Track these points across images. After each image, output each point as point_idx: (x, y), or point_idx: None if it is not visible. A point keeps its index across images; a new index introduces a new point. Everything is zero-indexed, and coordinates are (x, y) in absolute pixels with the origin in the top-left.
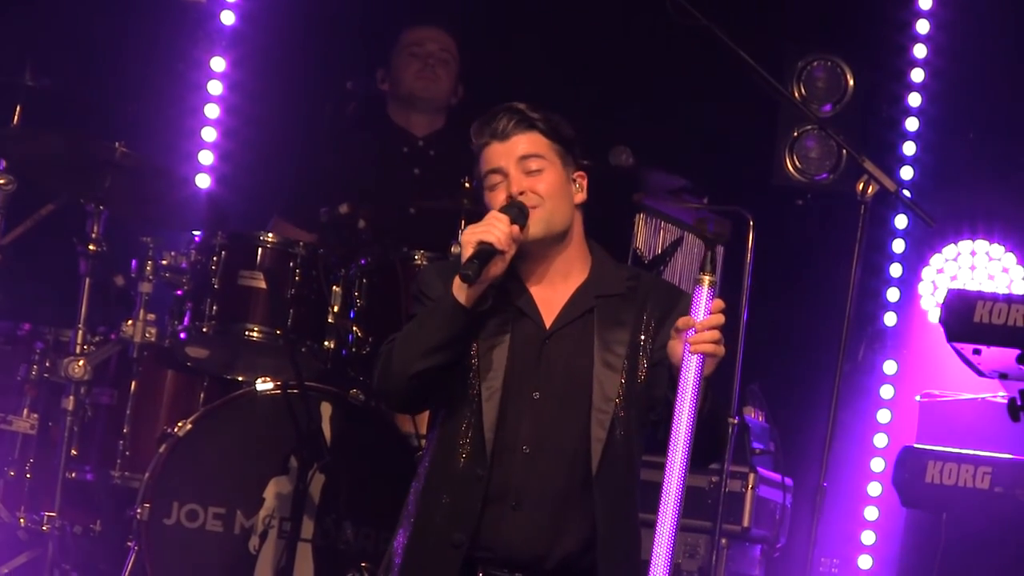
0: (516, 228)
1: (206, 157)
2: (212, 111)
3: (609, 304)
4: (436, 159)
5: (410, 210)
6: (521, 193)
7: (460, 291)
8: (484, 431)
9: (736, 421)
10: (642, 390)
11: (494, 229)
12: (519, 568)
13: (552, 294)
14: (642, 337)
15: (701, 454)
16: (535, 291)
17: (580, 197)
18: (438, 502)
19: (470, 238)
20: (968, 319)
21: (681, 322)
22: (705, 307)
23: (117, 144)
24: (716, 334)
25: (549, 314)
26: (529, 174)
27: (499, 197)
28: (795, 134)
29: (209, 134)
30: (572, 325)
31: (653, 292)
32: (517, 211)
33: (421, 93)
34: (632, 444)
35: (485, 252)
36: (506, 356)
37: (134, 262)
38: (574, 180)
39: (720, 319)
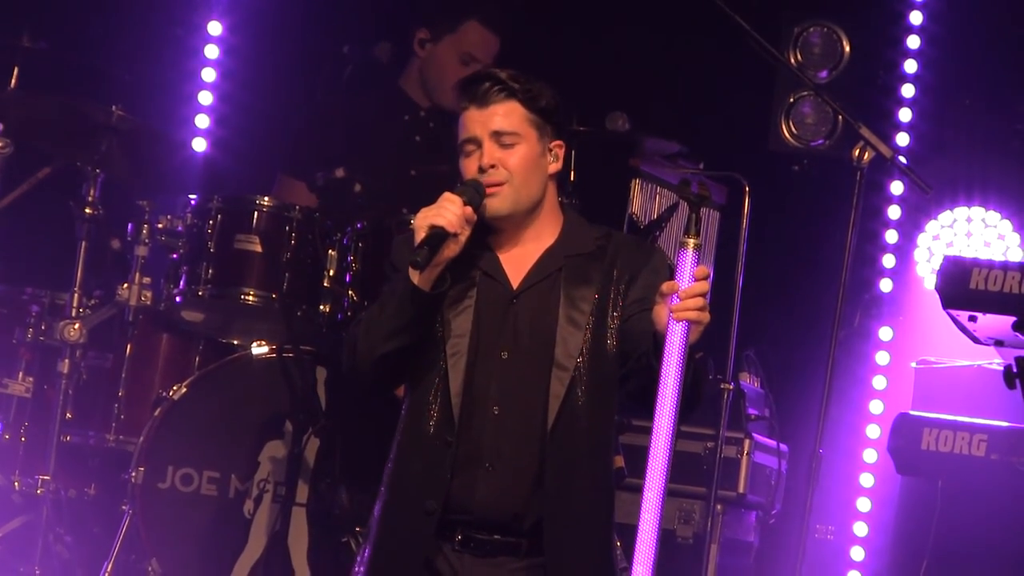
0: (469, 209)
1: (202, 121)
2: (209, 75)
3: (578, 263)
4: (436, 128)
5: (411, 172)
6: (492, 166)
7: (415, 275)
8: (451, 396)
9: (732, 387)
10: (612, 347)
11: (446, 212)
12: (497, 529)
13: (521, 255)
14: (611, 294)
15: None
16: (504, 254)
17: (555, 167)
18: (409, 470)
19: (422, 222)
20: (964, 286)
21: (665, 287)
22: (690, 272)
23: (114, 108)
24: (701, 301)
25: (517, 275)
26: (503, 147)
27: (471, 166)
28: (791, 100)
29: (206, 98)
30: (540, 285)
31: (624, 250)
32: (472, 191)
33: (446, 105)
34: (597, 402)
35: (436, 236)
36: (471, 320)
37: (130, 225)
38: (550, 150)
39: (705, 286)
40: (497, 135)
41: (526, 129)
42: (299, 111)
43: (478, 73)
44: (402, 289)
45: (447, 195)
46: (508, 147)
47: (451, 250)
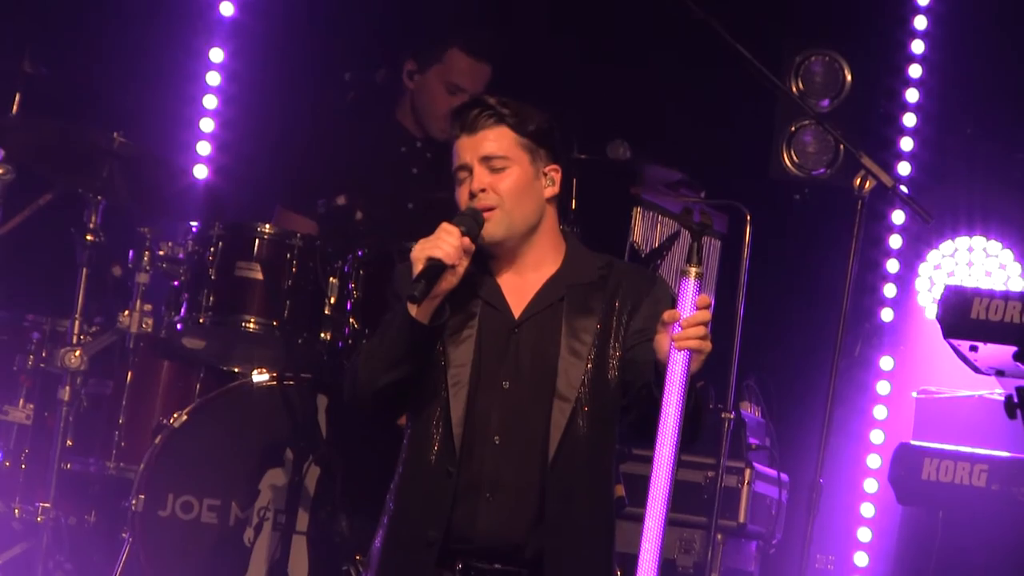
0: (467, 240)
1: (204, 148)
2: (210, 102)
3: (580, 292)
4: (434, 158)
5: (408, 205)
6: (482, 190)
7: (413, 307)
8: (452, 425)
9: (732, 416)
10: (613, 377)
11: (443, 244)
12: (498, 558)
13: (523, 285)
14: (613, 324)
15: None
16: (505, 283)
17: (551, 191)
18: (411, 499)
19: (419, 254)
20: (965, 315)
21: (667, 315)
22: (692, 301)
23: (115, 134)
24: (702, 330)
25: (519, 304)
26: (493, 171)
27: (464, 193)
28: (793, 129)
29: (207, 125)
30: (542, 314)
31: (626, 279)
32: (471, 220)
33: (438, 136)
34: (598, 432)
35: (434, 268)
36: (473, 349)
37: (131, 252)
38: (545, 174)
39: (706, 315)
40: (487, 160)
41: (517, 152)
42: (296, 143)
43: (467, 101)
44: (401, 320)
45: (444, 226)
46: (499, 171)
47: (449, 282)
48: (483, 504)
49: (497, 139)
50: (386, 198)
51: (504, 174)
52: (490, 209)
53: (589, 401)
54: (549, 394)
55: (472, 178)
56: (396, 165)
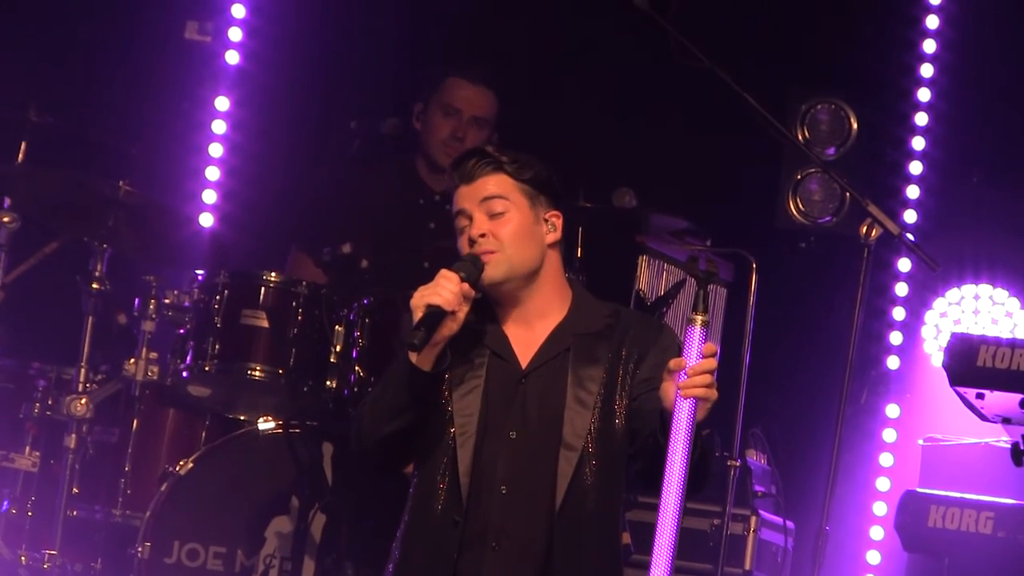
0: (467, 286)
1: (209, 196)
2: (216, 150)
3: (586, 342)
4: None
5: (424, 264)
6: (482, 235)
7: (413, 355)
8: (459, 475)
9: (738, 463)
10: (620, 426)
11: (442, 290)
12: None
13: (529, 334)
14: (620, 373)
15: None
16: (512, 332)
17: (553, 237)
18: (416, 548)
19: (418, 301)
20: (971, 363)
21: (673, 364)
22: (698, 349)
23: (121, 182)
24: (708, 378)
25: (526, 354)
26: (492, 217)
27: (464, 241)
28: (799, 177)
29: (213, 173)
30: (548, 364)
31: (632, 328)
32: (470, 265)
33: (443, 162)
34: (605, 481)
35: (433, 315)
36: (480, 400)
37: (137, 300)
38: (546, 220)
39: (712, 363)
40: (486, 203)
41: (516, 197)
42: (310, 184)
43: (465, 151)
44: (402, 369)
45: (444, 272)
46: (498, 216)
47: (450, 328)
48: (489, 554)
49: (496, 184)
50: (398, 248)
51: (504, 219)
52: (489, 252)
53: (595, 450)
54: (556, 443)
55: (472, 224)
56: (413, 218)
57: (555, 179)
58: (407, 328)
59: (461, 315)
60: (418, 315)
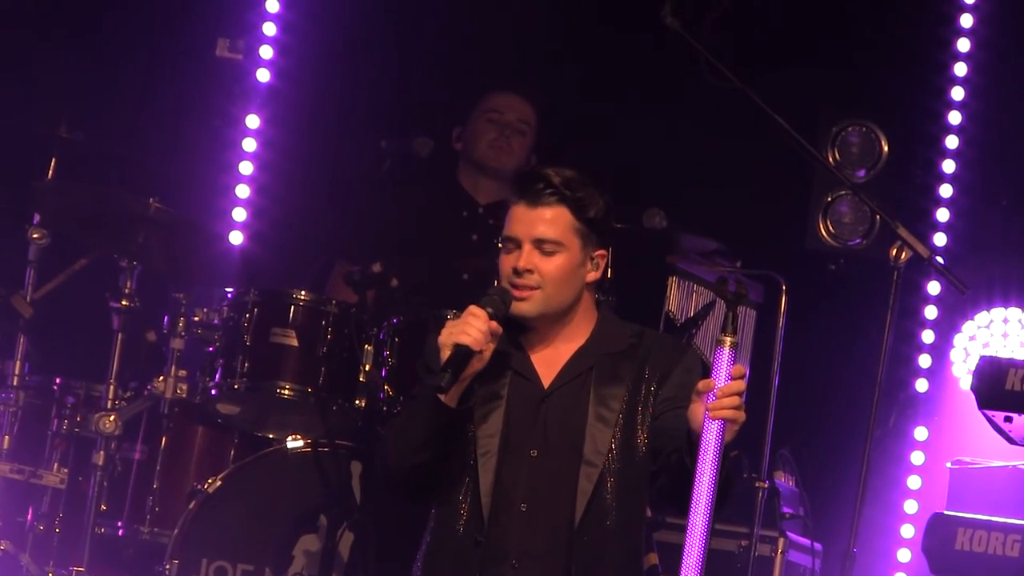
0: (495, 324)
1: (239, 214)
2: (246, 168)
3: (609, 361)
4: (496, 228)
5: (463, 276)
6: (528, 271)
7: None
8: (480, 495)
9: (766, 485)
10: (642, 444)
11: (471, 329)
12: None
13: (553, 355)
14: (642, 392)
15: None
16: (535, 353)
17: (593, 276)
18: (438, 568)
19: (446, 339)
20: (1000, 386)
21: (701, 385)
22: (726, 370)
23: (151, 200)
24: (737, 400)
25: (548, 375)
26: (543, 254)
27: (507, 264)
28: (829, 199)
29: (243, 191)
30: (571, 384)
31: (656, 348)
32: (499, 301)
33: (492, 163)
34: (626, 499)
35: (461, 355)
36: (502, 420)
37: (166, 318)
38: (592, 259)
39: (741, 385)
40: (539, 242)
41: (569, 238)
42: (359, 199)
43: (535, 170)
44: (428, 404)
45: (472, 309)
46: (548, 255)
47: (475, 367)
48: (509, 572)
49: (554, 219)
50: (434, 264)
51: (552, 258)
52: (531, 288)
53: (616, 467)
54: (576, 461)
55: (520, 253)
56: (455, 230)
57: (612, 213)
58: (431, 351)
59: (487, 353)
60: (445, 353)
